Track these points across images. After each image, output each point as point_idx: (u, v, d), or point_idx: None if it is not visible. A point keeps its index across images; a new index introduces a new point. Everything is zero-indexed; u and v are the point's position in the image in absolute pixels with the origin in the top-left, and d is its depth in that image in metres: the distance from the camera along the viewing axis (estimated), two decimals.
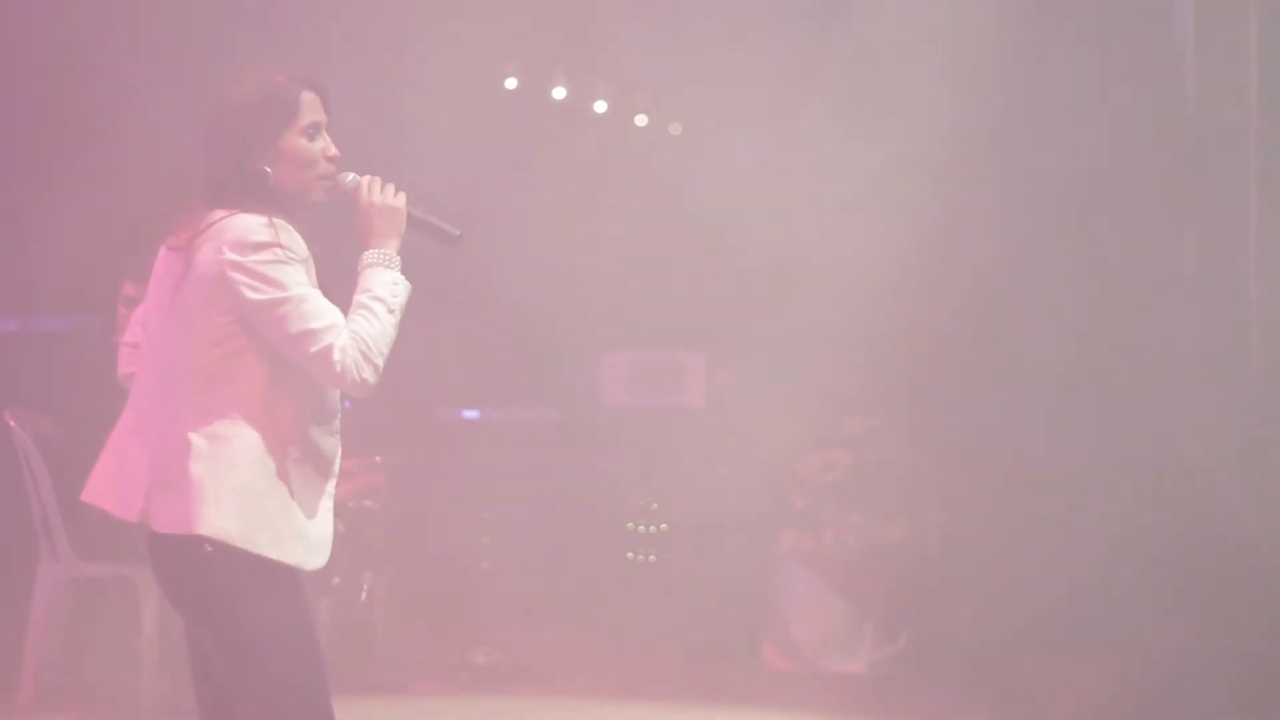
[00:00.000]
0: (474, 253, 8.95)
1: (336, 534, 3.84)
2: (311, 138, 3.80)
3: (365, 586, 7.55)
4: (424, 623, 8.30)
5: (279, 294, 3.62)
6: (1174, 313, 7.91)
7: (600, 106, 9.96)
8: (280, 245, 3.64)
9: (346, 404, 3.94)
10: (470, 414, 9.32)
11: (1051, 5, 8.16)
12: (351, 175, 3.87)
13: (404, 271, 3.83)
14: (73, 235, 8.47)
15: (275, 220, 3.66)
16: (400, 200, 3.86)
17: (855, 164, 7.93)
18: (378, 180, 3.87)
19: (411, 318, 3.83)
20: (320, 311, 3.66)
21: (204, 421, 3.63)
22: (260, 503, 3.64)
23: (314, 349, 3.63)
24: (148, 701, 6.79)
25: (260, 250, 3.63)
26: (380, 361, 3.70)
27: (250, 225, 3.65)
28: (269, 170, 3.74)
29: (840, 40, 8.15)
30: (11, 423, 6.96)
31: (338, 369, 3.64)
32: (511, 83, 9.82)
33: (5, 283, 8.68)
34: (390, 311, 3.74)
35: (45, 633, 7.01)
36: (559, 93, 9.88)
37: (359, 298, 3.75)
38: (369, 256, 3.80)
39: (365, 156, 4.12)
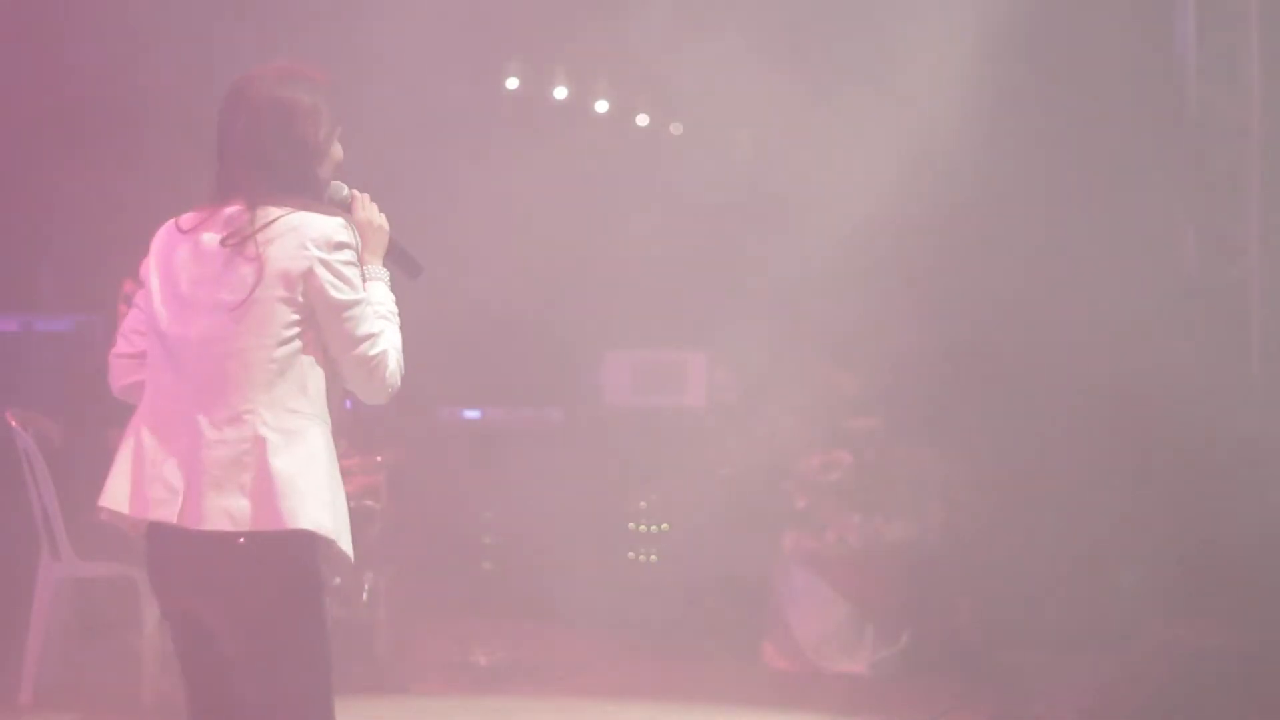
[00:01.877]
0: (475, 252, 8.98)
1: None
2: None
3: (366, 586, 7.55)
4: (425, 623, 8.29)
5: (355, 295, 3.68)
6: (1174, 313, 7.91)
7: (601, 106, 9.97)
8: (354, 246, 3.70)
9: (348, 404, 3.95)
10: (471, 414, 9.32)
11: (1052, 5, 8.16)
12: (345, 188, 3.89)
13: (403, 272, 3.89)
14: (73, 235, 8.48)
15: (347, 222, 3.72)
16: (384, 221, 3.90)
17: (856, 164, 7.92)
18: (368, 196, 3.90)
19: (412, 317, 3.85)
20: (377, 317, 3.74)
21: (275, 417, 3.62)
22: (336, 496, 3.68)
23: (373, 351, 3.69)
24: (148, 701, 6.80)
25: (342, 249, 3.67)
26: (404, 370, 3.79)
27: (332, 224, 3.68)
28: (324, 175, 3.80)
29: (841, 40, 8.15)
30: (13, 423, 6.96)
31: (387, 374, 3.72)
32: (513, 82, 9.82)
33: (5, 283, 8.68)
34: (399, 327, 3.82)
35: (46, 632, 7.01)
36: (560, 92, 9.89)
37: (378, 309, 3.78)
38: (368, 271, 3.82)
39: (366, 157, 4.13)
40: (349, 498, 7.47)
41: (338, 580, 7.32)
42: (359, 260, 3.72)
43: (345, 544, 3.69)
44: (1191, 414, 7.66)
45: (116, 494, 3.74)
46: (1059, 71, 8.15)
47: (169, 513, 3.64)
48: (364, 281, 3.77)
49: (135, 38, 8.26)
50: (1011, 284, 8.11)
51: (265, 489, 3.58)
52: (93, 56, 8.37)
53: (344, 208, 3.86)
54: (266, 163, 3.72)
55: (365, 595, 7.54)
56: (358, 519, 7.43)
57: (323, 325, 3.67)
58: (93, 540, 6.74)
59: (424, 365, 4.11)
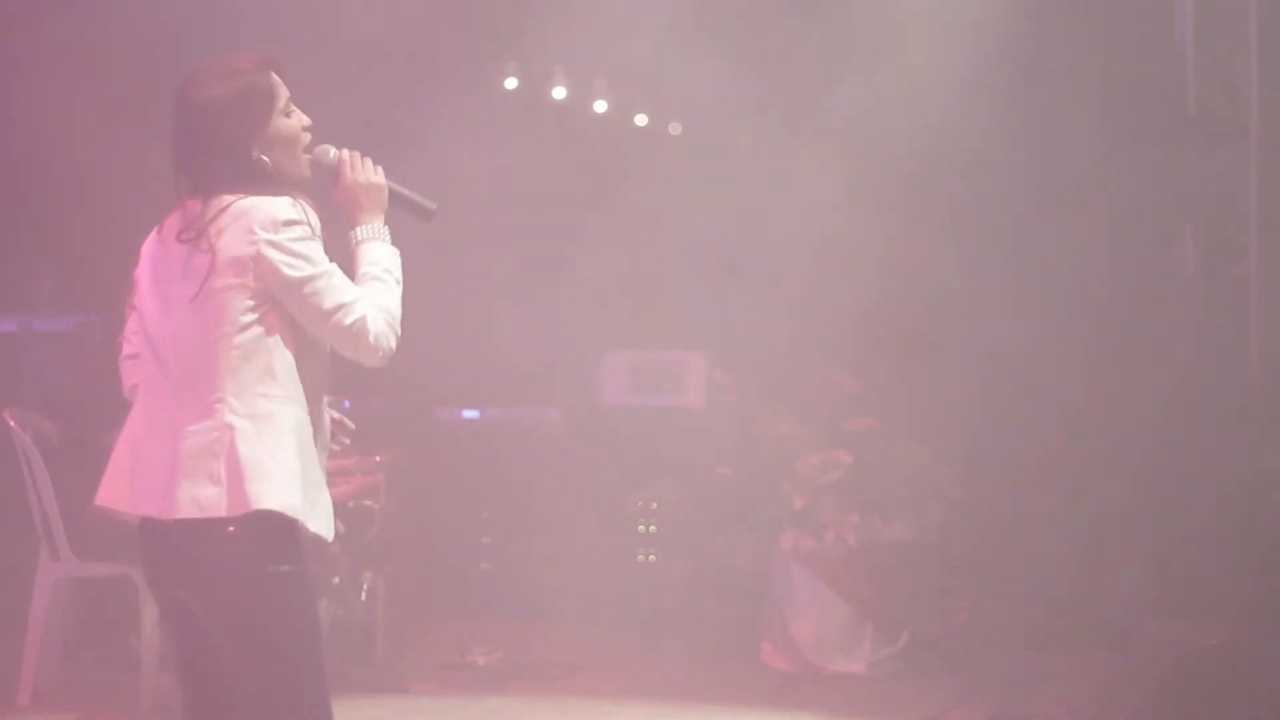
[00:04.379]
0: (473, 252, 8.96)
1: (337, 534, 3.85)
2: (289, 114, 3.84)
3: (365, 586, 7.55)
4: (423, 622, 8.30)
5: (313, 270, 3.68)
6: (1174, 312, 7.91)
7: (600, 106, 9.96)
8: (306, 222, 3.70)
9: (346, 404, 3.95)
10: (470, 414, 9.32)
11: (1051, 5, 8.16)
12: (333, 150, 3.90)
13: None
14: (72, 235, 8.47)
15: (297, 199, 3.72)
16: (380, 176, 3.91)
17: (855, 162, 7.92)
18: (358, 155, 3.92)
19: (411, 317, 3.85)
20: (348, 285, 3.74)
21: (242, 403, 3.65)
22: (305, 477, 3.68)
23: (348, 321, 3.69)
24: (148, 701, 6.80)
25: (291, 226, 3.68)
26: (399, 330, 3.79)
27: (277, 204, 3.69)
28: (266, 158, 3.77)
29: (838, 39, 8.16)
30: (11, 423, 6.96)
31: (371, 340, 3.72)
32: (511, 82, 9.82)
33: (4, 283, 8.68)
34: (398, 282, 3.83)
35: (45, 633, 7.01)
36: (559, 92, 9.88)
37: (369, 270, 3.81)
38: (363, 232, 3.86)
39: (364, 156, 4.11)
40: (348, 498, 7.52)
41: (336, 580, 7.32)
42: (316, 234, 3.71)
43: (316, 525, 3.69)
44: (1191, 413, 7.66)
45: (110, 490, 3.80)
46: (1057, 72, 8.16)
47: (153, 506, 3.70)
48: (361, 243, 3.81)
49: (134, 38, 8.26)
50: (1011, 284, 8.12)
51: (234, 475, 3.61)
52: (93, 56, 8.38)
53: (332, 171, 3.87)
54: (204, 163, 3.76)
55: (364, 595, 7.54)
56: (357, 519, 7.49)
57: (289, 305, 3.69)
58: (91, 540, 6.75)
59: (424, 365, 4.10)
